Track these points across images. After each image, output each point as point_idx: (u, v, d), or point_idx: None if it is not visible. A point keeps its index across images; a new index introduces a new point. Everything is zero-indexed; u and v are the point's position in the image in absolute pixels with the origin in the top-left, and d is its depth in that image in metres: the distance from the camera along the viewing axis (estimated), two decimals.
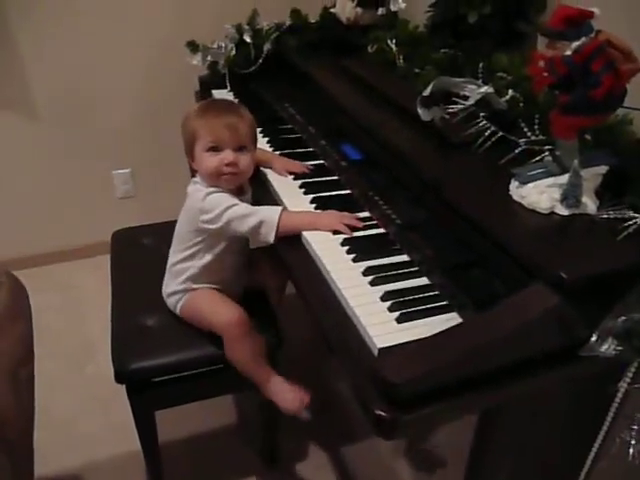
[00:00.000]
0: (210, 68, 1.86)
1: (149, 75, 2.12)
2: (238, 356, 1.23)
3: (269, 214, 1.15)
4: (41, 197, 2.25)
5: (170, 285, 1.31)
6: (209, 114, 1.23)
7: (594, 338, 0.83)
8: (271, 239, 1.15)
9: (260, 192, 1.33)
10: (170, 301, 1.31)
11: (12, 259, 2.19)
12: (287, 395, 1.24)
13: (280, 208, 1.17)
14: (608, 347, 0.84)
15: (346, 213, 1.17)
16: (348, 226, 1.13)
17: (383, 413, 0.77)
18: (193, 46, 1.83)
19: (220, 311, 1.24)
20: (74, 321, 2.06)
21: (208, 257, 1.26)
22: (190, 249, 1.26)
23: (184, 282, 1.28)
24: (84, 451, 1.60)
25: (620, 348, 0.83)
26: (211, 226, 1.19)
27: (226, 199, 1.19)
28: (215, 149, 1.20)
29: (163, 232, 1.55)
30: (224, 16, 1.84)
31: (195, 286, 1.28)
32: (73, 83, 2.09)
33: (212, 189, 1.21)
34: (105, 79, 2.11)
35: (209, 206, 1.18)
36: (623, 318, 0.83)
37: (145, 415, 1.29)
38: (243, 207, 1.18)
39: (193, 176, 1.29)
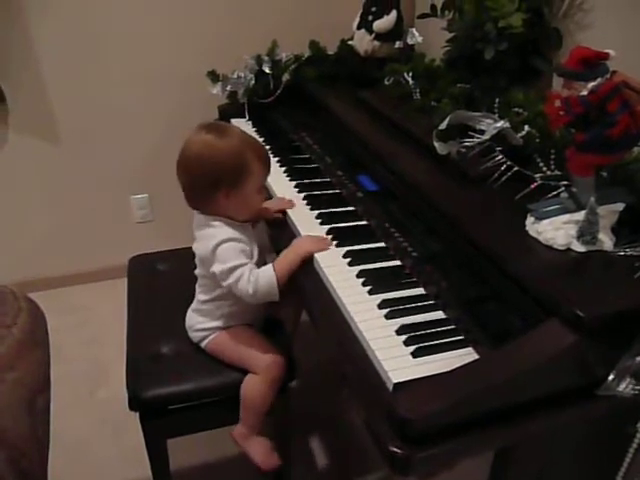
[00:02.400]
0: (230, 97, 1.90)
1: (168, 103, 2.17)
2: (263, 395, 1.22)
3: (267, 275, 1.15)
4: (59, 220, 2.29)
5: (199, 322, 1.29)
6: (259, 149, 1.21)
7: (611, 377, 0.83)
8: (276, 299, 1.17)
9: (278, 224, 1.35)
10: (195, 335, 1.30)
11: (29, 281, 2.22)
12: (260, 454, 1.28)
13: (271, 267, 1.16)
14: (626, 387, 0.83)
15: (318, 235, 1.21)
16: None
17: (397, 450, 0.76)
18: (213, 76, 1.88)
19: (264, 352, 1.24)
20: (88, 344, 2.07)
21: (232, 298, 1.24)
22: (218, 289, 1.24)
23: (216, 320, 1.27)
24: (96, 476, 1.59)
25: (638, 388, 0.82)
26: (222, 282, 1.17)
27: (236, 255, 1.16)
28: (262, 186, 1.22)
29: (180, 258, 1.57)
30: (244, 47, 1.88)
31: (229, 325, 1.28)
32: (93, 109, 2.14)
33: (223, 238, 1.16)
34: (125, 106, 2.16)
35: (219, 259, 1.16)
36: None
37: (158, 442, 1.28)
38: (248, 270, 1.15)
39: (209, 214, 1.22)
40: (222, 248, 1.16)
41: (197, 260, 1.27)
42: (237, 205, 1.19)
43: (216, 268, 1.16)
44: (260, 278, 1.15)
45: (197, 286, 1.31)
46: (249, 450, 1.27)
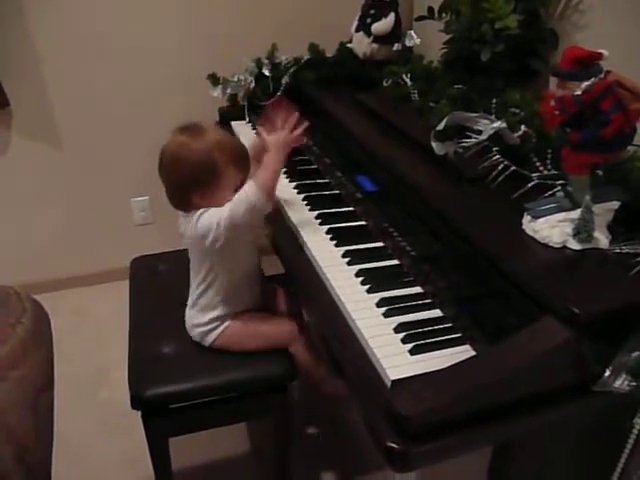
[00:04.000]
0: (230, 100, 1.92)
1: (169, 106, 2.18)
2: (309, 357, 1.34)
3: (249, 192, 1.16)
4: (61, 223, 2.30)
5: (198, 317, 1.30)
6: (234, 151, 1.20)
7: (607, 373, 0.84)
8: (269, 207, 1.19)
9: (278, 224, 1.36)
10: (198, 331, 1.31)
11: (32, 283, 2.23)
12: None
13: (251, 182, 1.17)
14: (622, 382, 0.84)
15: (284, 132, 1.24)
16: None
17: (395, 445, 0.77)
18: (214, 79, 1.89)
19: (280, 328, 1.33)
20: (90, 345, 2.08)
21: (225, 280, 1.27)
22: (207, 278, 1.27)
23: (215, 310, 1.29)
24: (98, 475, 1.60)
25: (634, 384, 0.83)
26: (219, 243, 1.17)
27: (213, 213, 1.17)
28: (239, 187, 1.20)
29: (181, 260, 1.58)
30: (245, 50, 1.90)
31: (228, 313, 1.30)
32: (95, 113, 2.15)
33: (202, 210, 1.19)
34: (126, 109, 2.18)
35: (203, 230, 1.17)
36: (637, 353, 0.83)
37: (160, 442, 1.30)
38: (227, 209, 1.17)
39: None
40: (202, 217, 1.18)
41: (189, 248, 1.29)
42: (213, 205, 1.19)
43: (209, 238, 1.17)
44: (241, 194, 1.16)
45: (191, 281, 1.33)
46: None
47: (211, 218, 1.17)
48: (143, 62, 2.12)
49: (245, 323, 1.31)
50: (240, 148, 1.24)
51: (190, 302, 1.34)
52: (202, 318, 1.30)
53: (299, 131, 1.26)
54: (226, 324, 1.29)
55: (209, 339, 1.30)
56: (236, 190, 1.20)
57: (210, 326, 1.29)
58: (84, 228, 2.33)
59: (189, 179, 1.17)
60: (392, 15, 1.77)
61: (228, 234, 1.17)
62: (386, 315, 1.00)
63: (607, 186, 0.98)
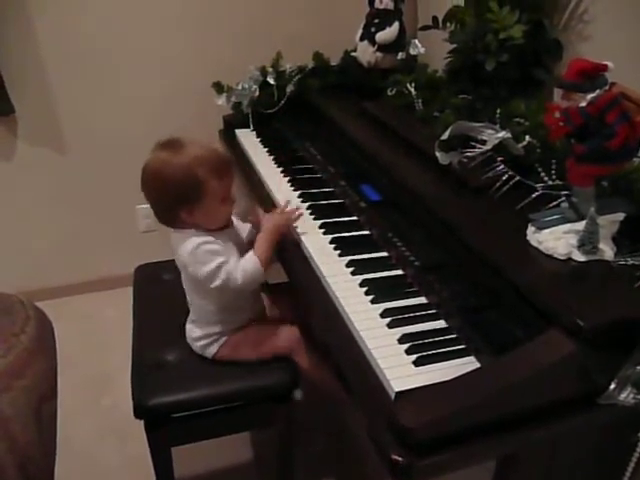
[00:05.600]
0: (234, 108, 1.92)
1: (173, 113, 2.19)
2: (309, 362, 1.33)
3: (250, 261, 1.20)
4: (66, 229, 2.31)
5: (197, 331, 1.30)
6: (214, 163, 1.17)
7: (612, 386, 0.83)
8: (262, 280, 1.26)
9: None
10: (198, 345, 1.30)
11: (36, 290, 2.23)
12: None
13: (252, 253, 1.21)
14: (627, 395, 0.83)
15: (285, 212, 1.33)
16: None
17: (399, 458, 0.77)
18: (218, 87, 1.90)
19: (281, 335, 1.31)
20: (94, 352, 2.08)
21: (221, 299, 1.26)
22: (203, 297, 1.27)
23: (214, 326, 1.28)
24: None
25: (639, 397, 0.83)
26: (211, 284, 1.17)
27: (215, 254, 1.17)
28: (226, 197, 1.20)
29: None
30: (250, 59, 1.90)
31: (228, 328, 1.29)
32: (99, 120, 2.16)
33: (197, 242, 1.17)
34: (131, 116, 2.19)
35: (200, 262, 1.16)
36: None
37: (162, 450, 1.29)
38: (233, 264, 1.18)
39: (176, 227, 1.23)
40: (199, 251, 1.17)
41: (182, 272, 1.29)
42: (202, 219, 1.19)
43: (201, 272, 1.17)
44: (246, 266, 1.19)
45: (187, 297, 1.33)
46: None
47: (213, 257, 1.16)
48: (148, 69, 2.13)
49: (246, 334, 1.30)
50: (220, 159, 1.21)
51: (190, 317, 1.34)
52: (201, 332, 1.30)
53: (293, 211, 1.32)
54: (225, 337, 1.29)
55: (210, 352, 1.30)
56: (222, 199, 1.19)
57: (210, 339, 1.29)
58: (88, 235, 2.34)
59: (173, 196, 1.17)
60: (396, 24, 1.78)
61: (223, 285, 1.18)
62: (390, 326, 1.00)
63: (612, 198, 0.98)
